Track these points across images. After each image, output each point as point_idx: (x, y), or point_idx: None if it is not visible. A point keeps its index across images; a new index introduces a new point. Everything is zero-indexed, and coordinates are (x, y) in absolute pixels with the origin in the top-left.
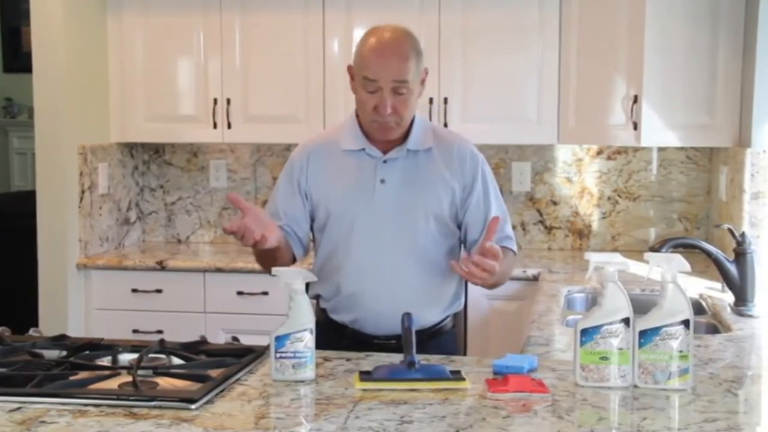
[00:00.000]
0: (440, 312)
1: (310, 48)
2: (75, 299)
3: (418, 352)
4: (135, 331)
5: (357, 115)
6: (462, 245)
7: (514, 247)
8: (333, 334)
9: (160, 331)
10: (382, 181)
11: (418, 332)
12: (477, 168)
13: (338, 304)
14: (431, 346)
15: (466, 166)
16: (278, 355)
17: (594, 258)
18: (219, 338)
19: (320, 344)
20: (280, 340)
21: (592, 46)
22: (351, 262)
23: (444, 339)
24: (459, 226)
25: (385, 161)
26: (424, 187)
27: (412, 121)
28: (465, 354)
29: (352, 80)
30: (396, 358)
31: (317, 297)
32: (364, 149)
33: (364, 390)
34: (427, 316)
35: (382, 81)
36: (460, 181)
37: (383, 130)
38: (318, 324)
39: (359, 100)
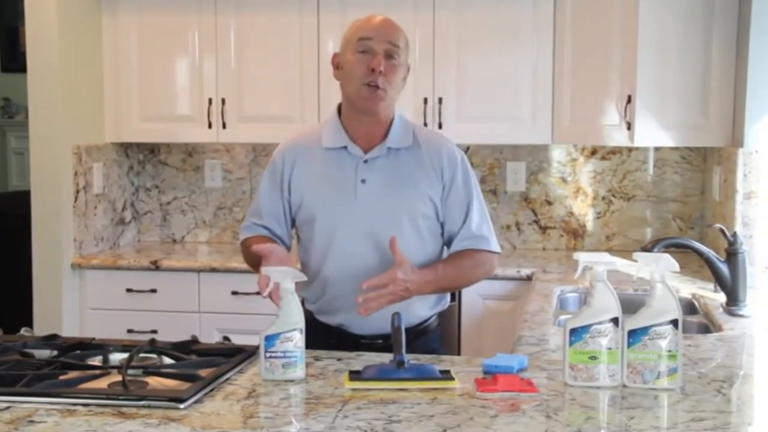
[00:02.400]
0: (426, 310)
1: (305, 48)
2: (69, 299)
3: (406, 350)
4: (129, 331)
5: (339, 113)
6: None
7: (490, 247)
8: (320, 335)
9: (154, 331)
10: (363, 181)
11: (404, 331)
12: (456, 166)
13: (324, 307)
14: (417, 344)
15: (445, 164)
16: (268, 354)
17: (582, 258)
18: (214, 338)
19: (308, 344)
20: (269, 339)
21: (586, 46)
22: (334, 265)
23: (430, 337)
24: (442, 225)
25: (365, 161)
26: (406, 187)
27: (393, 119)
28: (459, 353)
29: (336, 68)
30: (385, 358)
31: (302, 299)
32: (345, 147)
33: (354, 389)
34: (413, 315)
35: (377, 39)
36: (441, 180)
37: (371, 96)
38: (305, 324)
39: (349, 69)
